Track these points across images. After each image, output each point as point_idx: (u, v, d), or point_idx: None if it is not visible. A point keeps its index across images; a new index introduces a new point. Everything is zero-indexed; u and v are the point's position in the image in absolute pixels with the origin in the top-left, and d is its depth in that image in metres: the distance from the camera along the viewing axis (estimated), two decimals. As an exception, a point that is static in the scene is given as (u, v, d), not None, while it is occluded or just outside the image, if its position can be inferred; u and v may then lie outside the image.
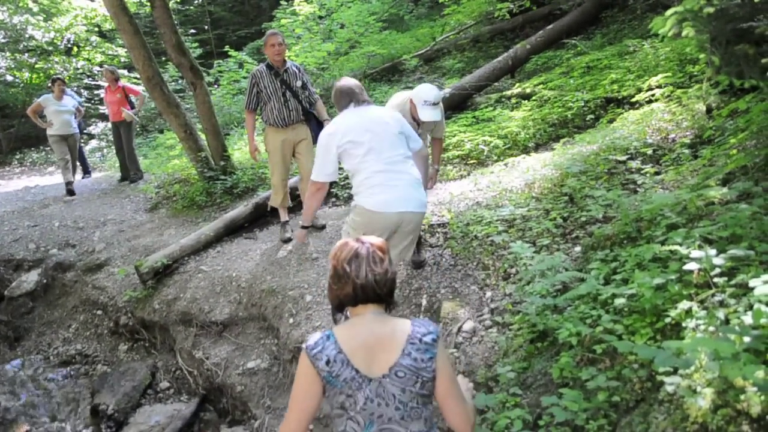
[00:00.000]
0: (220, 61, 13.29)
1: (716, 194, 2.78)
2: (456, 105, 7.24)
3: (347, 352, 1.65)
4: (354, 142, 3.13)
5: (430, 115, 3.60)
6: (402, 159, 3.18)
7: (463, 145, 5.86)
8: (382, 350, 1.66)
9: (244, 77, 12.06)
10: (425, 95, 3.60)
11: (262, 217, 5.80)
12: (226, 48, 12.85)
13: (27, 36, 12.99)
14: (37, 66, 12.89)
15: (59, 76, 8.53)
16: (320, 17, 11.89)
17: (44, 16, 13.48)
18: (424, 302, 3.62)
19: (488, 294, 3.52)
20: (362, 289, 1.71)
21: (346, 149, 3.16)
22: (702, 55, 3.92)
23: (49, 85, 8.52)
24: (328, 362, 1.64)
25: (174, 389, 4.59)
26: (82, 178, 9.35)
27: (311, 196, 3.40)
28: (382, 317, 1.75)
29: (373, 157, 3.12)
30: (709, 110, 4.26)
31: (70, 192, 8.08)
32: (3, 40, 13.21)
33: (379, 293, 1.73)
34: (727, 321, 1.97)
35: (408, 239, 3.30)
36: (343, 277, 1.73)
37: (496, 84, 7.85)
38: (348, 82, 3.35)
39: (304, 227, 3.68)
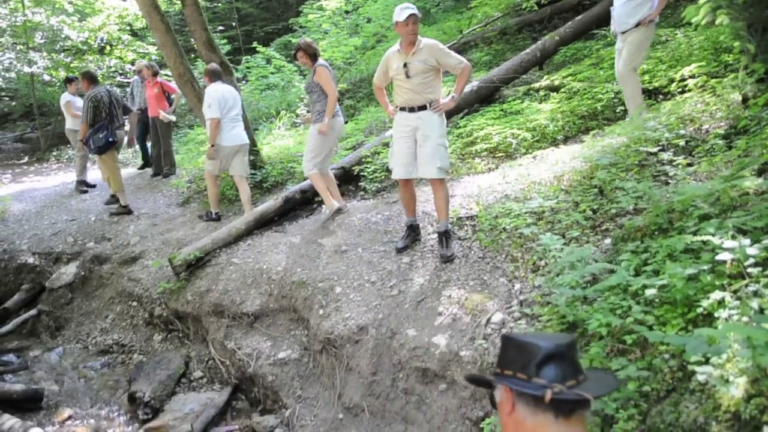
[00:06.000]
0: (248, 57, 13.48)
1: (751, 185, 2.73)
2: (484, 98, 7.21)
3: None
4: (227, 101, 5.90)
5: (404, 12, 3.88)
6: (240, 117, 6.08)
7: (491, 138, 5.84)
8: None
9: (272, 73, 12.22)
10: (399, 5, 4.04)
11: (291, 210, 5.89)
12: (254, 44, 13.04)
13: (63, 36, 13.35)
14: (72, 65, 13.24)
15: (74, 75, 8.94)
16: (347, 12, 11.97)
17: (79, 16, 13.86)
18: (453, 294, 3.64)
19: (517, 286, 3.53)
20: None
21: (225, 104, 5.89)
22: (737, 43, 3.83)
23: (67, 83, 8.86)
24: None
25: (207, 378, 4.71)
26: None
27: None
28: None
29: (231, 113, 5.93)
30: (744, 100, 4.15)
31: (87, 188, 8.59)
32: (41, 41, 13.59)
33: None
34: (761, 311, 1.95)
35: (244, 159, 6.13)
36: None
37: (524, 76, 7.77)
38: (215, 66, 6.07)
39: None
